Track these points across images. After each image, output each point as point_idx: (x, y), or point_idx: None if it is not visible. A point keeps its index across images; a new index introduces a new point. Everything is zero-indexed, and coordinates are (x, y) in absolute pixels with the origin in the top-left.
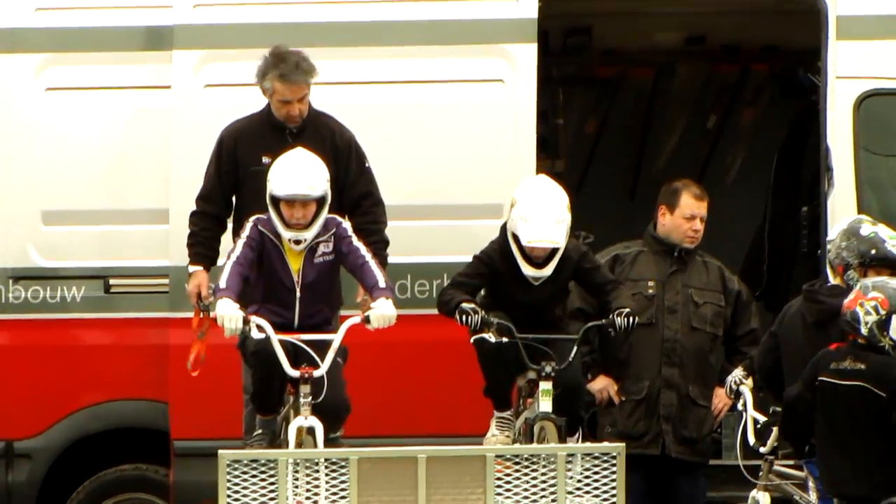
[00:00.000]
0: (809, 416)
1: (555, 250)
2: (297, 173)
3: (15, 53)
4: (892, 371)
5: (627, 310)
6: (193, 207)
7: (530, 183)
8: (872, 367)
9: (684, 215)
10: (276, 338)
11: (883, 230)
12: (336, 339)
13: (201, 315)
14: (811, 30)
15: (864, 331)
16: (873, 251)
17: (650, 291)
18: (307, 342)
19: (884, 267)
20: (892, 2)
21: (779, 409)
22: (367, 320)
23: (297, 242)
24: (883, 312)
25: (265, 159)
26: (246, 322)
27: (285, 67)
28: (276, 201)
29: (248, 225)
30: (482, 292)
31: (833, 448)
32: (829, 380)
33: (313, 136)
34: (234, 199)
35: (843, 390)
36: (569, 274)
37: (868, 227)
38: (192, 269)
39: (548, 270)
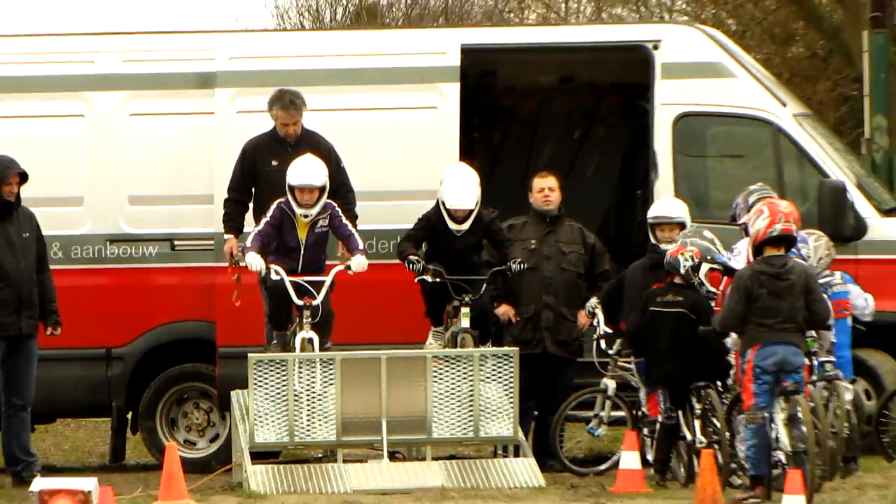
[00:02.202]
0: (645, 335)
1: (469, 211)
2: (306, 170)
3: (108, 91)
4: (702, 303)
5: (519, 259)
6: (227, 196)
7: (452, 167)
8: (688, 300)
9: (536, 189)
10: (287, 279)
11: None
12: (328, 279)
13: (233, 266)
14: (644, 72)
15: (682, 271)
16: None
17: (532, 246)
18: (308, 281)
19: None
20: (694, 51)
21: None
22: (348, 268)
23: (306, 216)
24: (697, 260)
25: (273, 162)
26: (267, 268)
27: (284, 103)
28: (292, 189)
29: (273, 206)
30: (424, 246)
31: (662, 354)
32: (657, 309)
33: (305, 146)
34: (252, 190)
35: (668, 315)
36: (481, 231)
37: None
38: (226, 236)
39: (466, 225)
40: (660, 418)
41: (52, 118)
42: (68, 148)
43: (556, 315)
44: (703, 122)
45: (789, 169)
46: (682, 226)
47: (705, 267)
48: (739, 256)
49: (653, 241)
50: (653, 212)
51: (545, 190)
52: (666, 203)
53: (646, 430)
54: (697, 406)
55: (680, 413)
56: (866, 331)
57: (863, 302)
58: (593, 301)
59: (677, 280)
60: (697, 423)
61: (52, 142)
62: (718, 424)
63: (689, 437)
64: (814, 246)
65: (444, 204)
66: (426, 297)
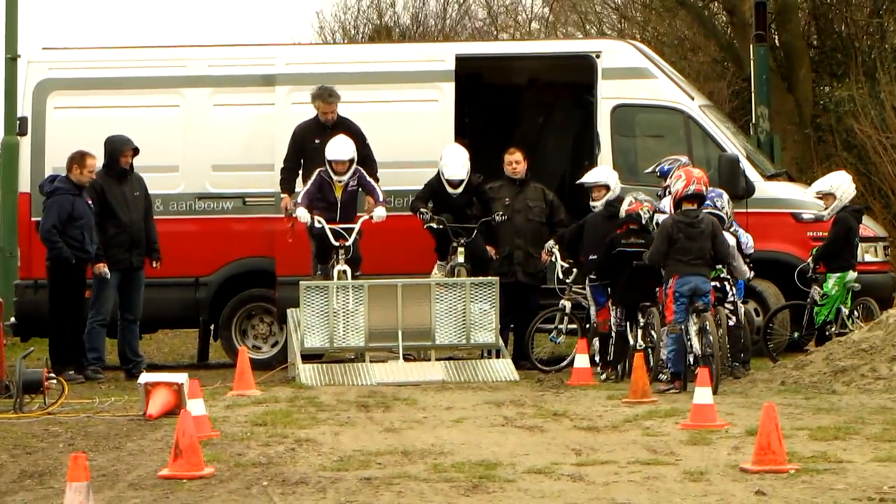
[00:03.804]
0: (607, 267)
1: (462, 180)
2: (339, 148)
3: (197, 88)
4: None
5: (501, 212)
6: (282, 165)
7: (449, 147)
8: (647, 242)
9: (506, 162)
10: (327, 226)
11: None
12: (356, 227)
13: (287, 216)
14: (589, 75)
15: (643, 221)
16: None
17: (507, 202)
18: (342, 228)
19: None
20: (626, 59)
21: (572, 262)
22: (371, 218)
23: (339, 181)
24: (651, 213)
25: (316, 141)
26: (312, 219)
27: (324, 96)
28: (329, 161)
29: (315, 174)
30: (431, 203)
31: (624, 282)
32: (624, 249)
33: (340, 128)
34: (301, 161)
35: (633, 253)
36: (472, 192)
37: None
38: (282, 195)
39: (459, 190)
40: (613, 329)
41: (156, 108)
42: (168, 130)
43: (525, 254)
44: (632, 111)
45: (696, 145)
46: (606, 187)
47: (656, 217)
48: (665, 210)
49: (591, 200)
50: (586, 178)
51: (513, 163)
52: (595, 171)
53: (596, 340)
54: (641, 320)
55: (627, 324)
56: (752, 265)
57: (745, 238)
58: (550, 243)
59: (633, 227)
60: (640, 333)
61: (156, 125)
62: (655, 335)
63: (632, 342)
64: (728, 201)
65: (443, 174)
66: (436, 238)
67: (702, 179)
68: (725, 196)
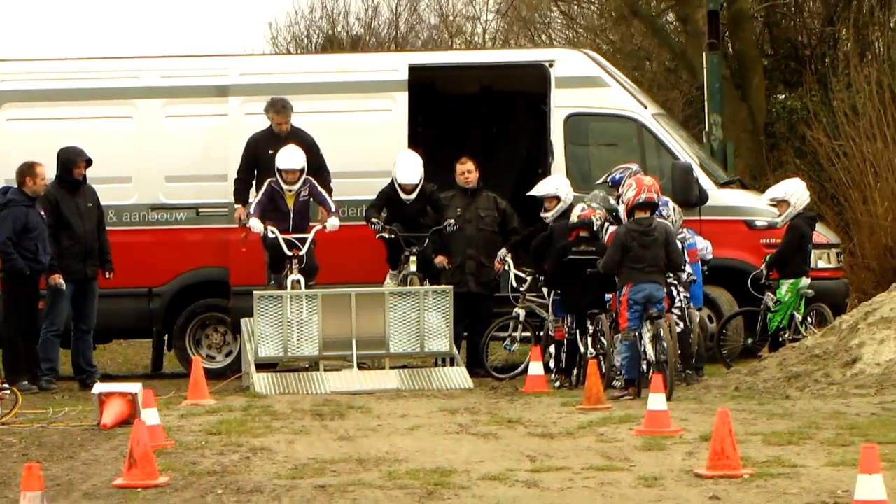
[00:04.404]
0: (559, 276)
1: (415, 185)
2: (289, 157)
3: (150, 99)
4: (605, 250)
5: (452, 220)
6: (236, 176)
7: (402, 153)
8: (599, 249)
9: (458, 172)
10: (280, 236)
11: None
12: (310, 235)
13: (241, 227)
14: (543, 83)
15: (595, 228)
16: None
17: (458, 212)
18: (296, 238)
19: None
20: (580, 68)
21: (529, 270)
22: (324, 227)
23: (290, 190)
24: (602, 220)
25: (270, 151)
26: (265, 229)
27: (277, 107)
28: (279, 171)
29: (266, 184)
30: (385, 212)
31: (575, 288)
32: (576, 256)
33: (293, 139)
34: (255, 171)
35: (585, 260)
36: (425, 200)
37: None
38: (236, 206)
39: (413, 195)
40: (567, 337)
41: (109, 119)
42: (121, 141)
43: (477, 263)
44: (586, 120)
45: (650, 154)
46: (557, 198)
47: (606, 225)
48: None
49: (543, 210)
50: (537, 190)
51: (465, 172)
52: (545, 182)
53: (552, 348)
54: (590, 327)
55: (578, 332)
56: (708, 272)
57: (703, 244)
58: (503, 251)
59: (583, 234)
60: (590, 340)
61: (109, 136)
62: (605, 342)
63: (582, 350)
64: (674, 209)
65: (396, 180)
66: (388, 248)
67: (653, 187)
68: (671, 204)
